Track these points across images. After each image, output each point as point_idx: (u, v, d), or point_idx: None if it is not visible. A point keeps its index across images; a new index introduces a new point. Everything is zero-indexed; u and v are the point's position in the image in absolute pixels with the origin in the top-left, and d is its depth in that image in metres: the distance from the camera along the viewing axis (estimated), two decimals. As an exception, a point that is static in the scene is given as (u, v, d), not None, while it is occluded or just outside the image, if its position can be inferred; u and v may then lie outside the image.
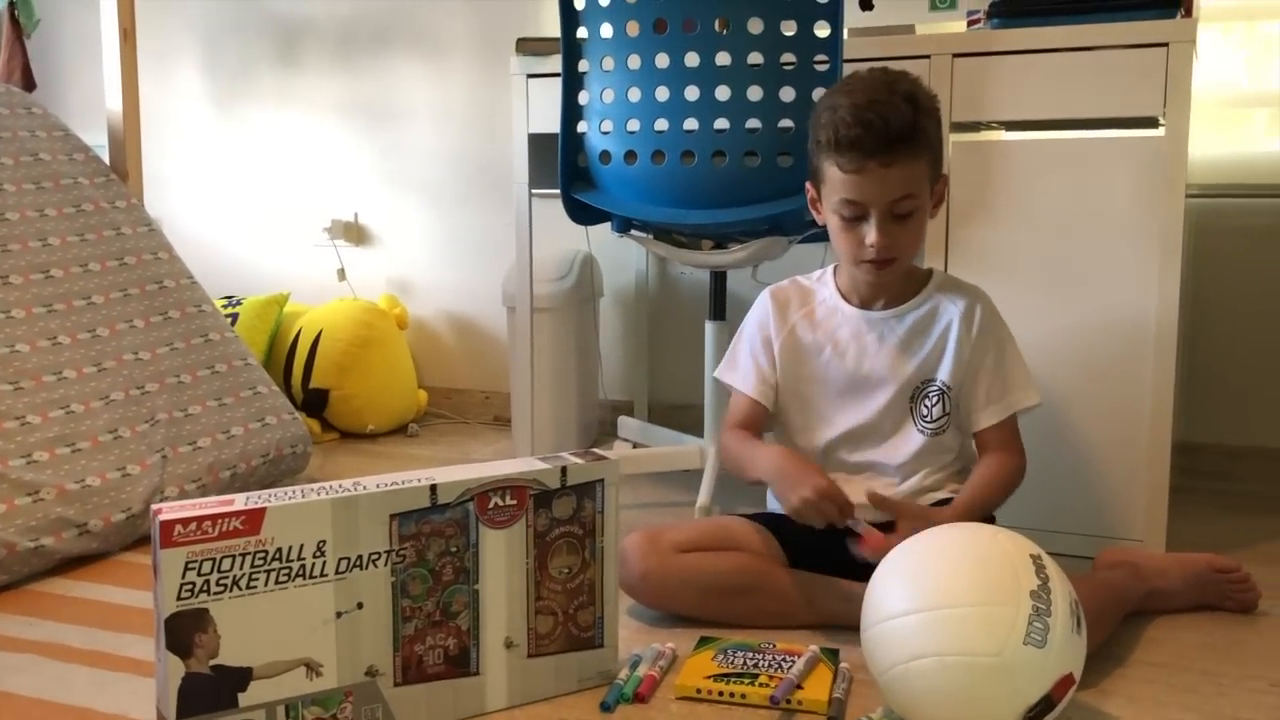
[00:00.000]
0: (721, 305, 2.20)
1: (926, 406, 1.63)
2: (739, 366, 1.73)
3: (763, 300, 1.73)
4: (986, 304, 1.65)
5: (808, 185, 1.63)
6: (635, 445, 2.50)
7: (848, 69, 1.84)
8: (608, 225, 2.09)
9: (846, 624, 1.57)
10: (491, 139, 2.99)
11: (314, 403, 2.77)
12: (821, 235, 2.14)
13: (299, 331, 2.87)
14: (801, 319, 1.69)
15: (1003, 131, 2.00)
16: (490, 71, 2.96)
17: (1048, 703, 1.20)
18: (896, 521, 1.51)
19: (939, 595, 1.22)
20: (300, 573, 1.22)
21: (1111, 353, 1.89)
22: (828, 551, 1.63)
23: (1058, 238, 1.92)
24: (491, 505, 1.33)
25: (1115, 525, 1.92)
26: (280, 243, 3.27)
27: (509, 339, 2.65)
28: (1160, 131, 1.84)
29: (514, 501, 1.34)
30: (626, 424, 2.55)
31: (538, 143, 2.27)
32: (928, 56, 1.94)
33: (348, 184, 3.17)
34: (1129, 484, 1.90)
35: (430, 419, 3.06)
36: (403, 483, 1.29)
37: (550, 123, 2.23)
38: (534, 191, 2.31)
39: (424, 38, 3.04)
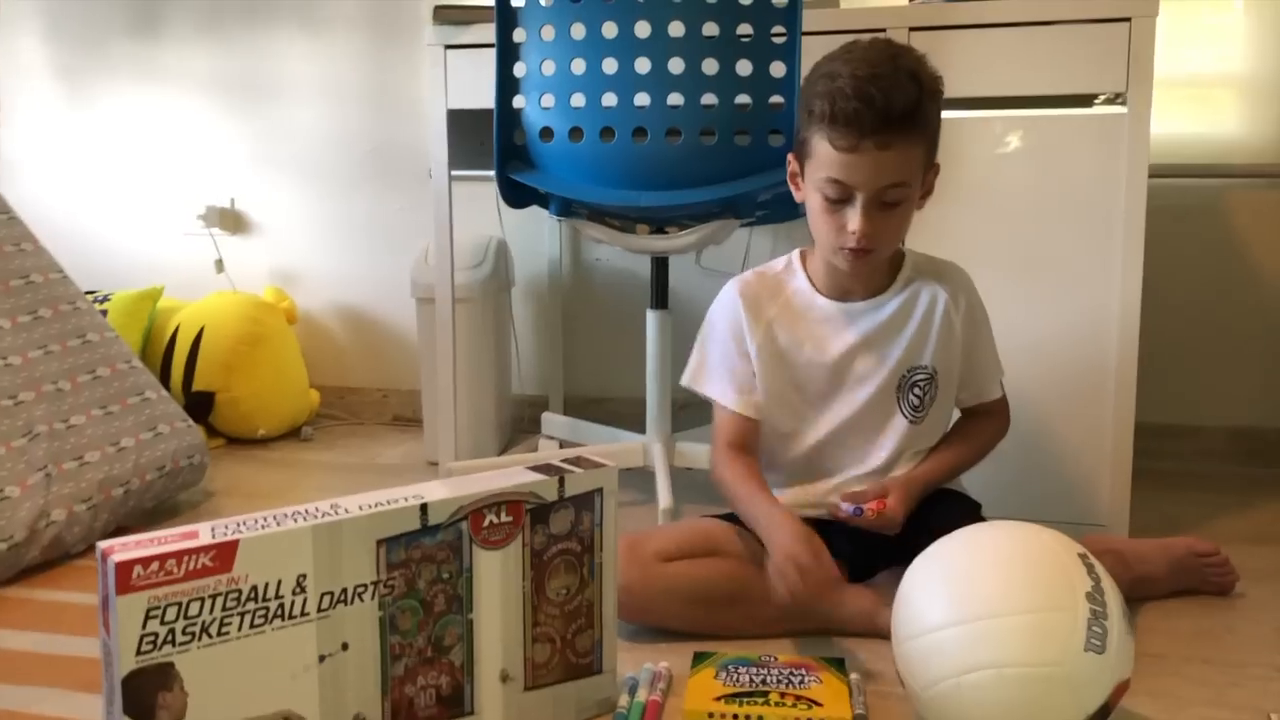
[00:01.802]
0: (664, 293, 2.08)
1: (916, 394, 1.54)
2: (713, 376, 1.58)
3: (730, 298, 1.58)
4: (968, 279, 1.58)
5: (790, 158, 1.51)
6: (562, 444, 2.35)
7: (806, 43, 1.75)
8: (519, 211, 1.95)
9: (842, 630, 1.49)
10: (384, 118, 2.78)
11: (198, 407, 2.52)
12: (769, 219, 2.05)
13: (176, 329, 2.61)
14: (777, 317, 1.56)
15: (962, 111, 1.93)
16: (383, 44, 2.75)
17: (1105, 710, 1.13)
18: (887, 497, 1.47)
19: (991, 603, 1.13)
20: (278, 613, 1.04)
21: (1074, 335, 1.86)
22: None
23: (1019, 218, 1.87)
24: (486, 524, 1.17)
25: (1079, 510, 1.89)
26: (149, 232, 2.98)
27: (419, 332, 2.46)
28: (1123, 109, 1.80)
29: (510, 518, 1.19)
30: (552, 421, 2.40)
31: (455, 121, 2.09)
32: (884, 30, 1.85)
33: (222, 168, 2.91)
34: (1092, 469, 1.88)
35: (323, 421, 2.84)
36: (388, 503, 1.12)
37: (471, 98, 2.07)
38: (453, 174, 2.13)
39: (305, 6, 2.80)
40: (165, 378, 2.55)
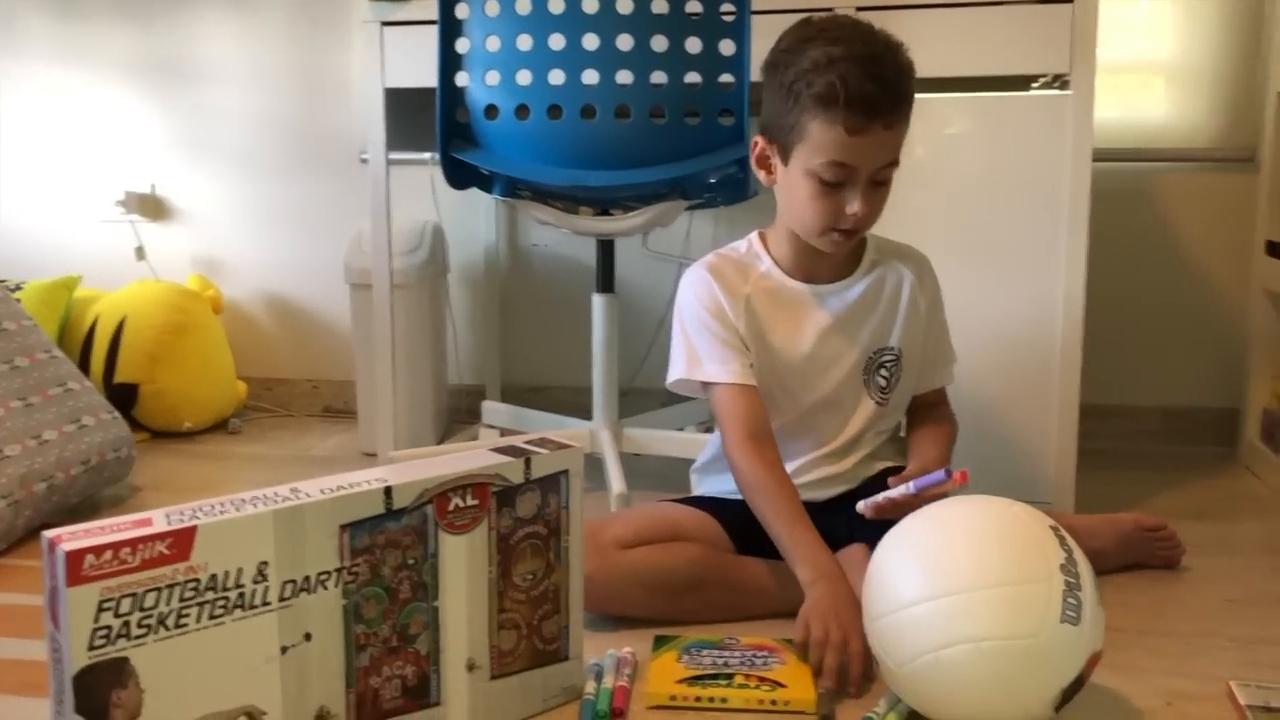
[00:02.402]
0: (610, 277, 2.05)
1: (883, 375, 1.54)
2: (708, 358, 1.49)
3: (702, 279, 1.53)
4: (929, 262, 1.59)
5: (759, 140, 1.49)
6: (503, 433, 2.30)
7: (755, 21, 1.73)
8: (454, 196, 1.90)
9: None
10: (314, 100, 2.70)
11: (120, 399, 2.41)
12: (714, 202, 2.03)
13: (96, 319, 2.50)
14: (752, 295, 1.52)
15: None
16: (313, 23, 2.67)
17: (1079, 682, 1.13)
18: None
19: (967, 576, 1.12)
20: (239, 603, 0.99)
21: (1020, 317, 1.87)
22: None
23: (965, 201, 1.88)
24: (452, 507, 1.13)
25: (1025, 488, 1.89)
26: (64, 218, 2.85)
27: (354, 320, 2.39)
28: (1068, 91, 1.82)
29: (475, 501, 1.15)
30: (492, 409, 2.36)
31: (390, 101, 2.03)
32: (831, 9, 1.83)
33: (142, 152, 2.79)
34: (1039, 448, 1.90)
35: (251, 413, 2.75)
36: (350, 486, 1.07)
37: (409, 77, 2.01)
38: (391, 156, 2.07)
39: (229, -15, 2.71)
40: (85, 370, 2.44)
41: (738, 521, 1.54)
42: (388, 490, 1.08)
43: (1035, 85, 1.96)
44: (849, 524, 1.50)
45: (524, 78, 1.77)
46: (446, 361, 2.57)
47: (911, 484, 1.38)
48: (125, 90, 2.79)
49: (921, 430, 1.59)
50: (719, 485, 1.60)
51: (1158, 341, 2.43)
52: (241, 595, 0.99)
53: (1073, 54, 1.79)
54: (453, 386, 2.64)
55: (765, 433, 1.46)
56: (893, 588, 1.17)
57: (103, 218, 2.79)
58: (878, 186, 1.42)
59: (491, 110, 1.81)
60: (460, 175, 1.89)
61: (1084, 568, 1.15)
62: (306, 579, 1.03)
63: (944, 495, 1.35)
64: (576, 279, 2.55)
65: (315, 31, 2.67)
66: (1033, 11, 1.81)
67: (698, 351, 1.50)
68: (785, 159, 1.44)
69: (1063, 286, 1.85)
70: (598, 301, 2.03)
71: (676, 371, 1.52)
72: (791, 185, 1.45)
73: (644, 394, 2.43)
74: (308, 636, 1.04)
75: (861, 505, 1.43)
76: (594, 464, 1.98)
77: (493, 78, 1.79)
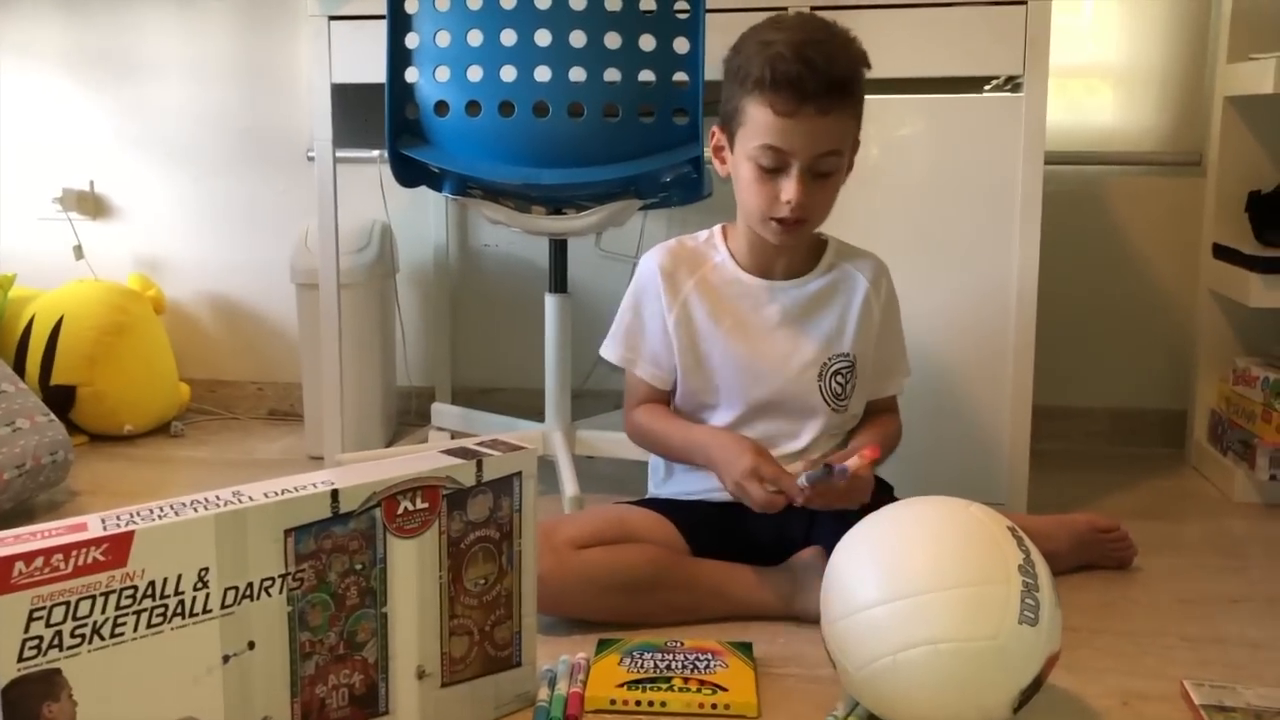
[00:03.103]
0: (563, 276, 2.02)
1: (838, 382, 1.52)
2: (624, 343, 1.57)
3: (648, 268, 1.55)
4: (886, 268, 1.58)
5: (714, 130, 1.48)
6: (454, 435, 2.27)
7: (710, 19, 1.72)
8: (403, 195, 1.86)
9: (760, 614, 1.47)
10: (259, 95, 2.64)
11: (57, 401, 2.34)
12: (669, 202, 2.01)
13: (32, 319, 2.43)
14: (695, 289, 1.53)
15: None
16: (259, 16, 2.61)
17: (1037, 683, 1.12)
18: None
19: (924, 578, 1.12)
20: (179, 611, 0.95)
21: (974, 317, 1.88)
22: (732, 536, 1.51)
23: (919, 201, 1.88)
24: (401, 511, 1.10)
25: (978, 489, 1.86)
26: (-1, 216, 2.77)
27: (300, 320, 2.34)
28: (1020, 94, 1.82)
29: (425, 505, 1.12)
30: (442, 411, 2.32)
31: (336, 97, 1.99)
32: (786, 8, 1.83)
33: (81, 148, 2.72)
34: (991, 448, 1.90)
35: (194, 416, 2.68)
36: (295, 489, 1.04)
37: (356, 72, 1.98)
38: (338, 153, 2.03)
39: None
40: (20, 371, 2.37)
41: (694, 523, 1.52)
42: (334, 493, 1.05)
43: (988, 87, 1.97)
44: (806, 527, 1.49)
45: (475, 74, 1.74)
46: (395, 363, 2.53)
47: (804, 477, 1.37)
48: (63, 84, 2.71)
49: (860, 428, 1.58)
50: (675, 487, 1.59)
51: (1107, 343, 2.44)
52: (181, 603, 0.95)
53: (1026, 56, 1.80)
54: (402, 388, 2.59)
55: (660, 404, 1.56)
56: (849, 590, 1.16)
57: (39, 215, 2.71)
58: (820, 179, 1.40)
59: (442, 107, 1.78)
60: (409, 173, 1.85)
61: (1041, 568, 1.15)
62: (249, 586, 1.00)
63: (834, 489, 1.36)
64: (529, 280, 2.52)
65: (261, 25, 2.61)
66: (986, 13, 1.81)
67: (623, 335, 1.56)
68: (732, 145, 1.45)
69: (1015, 287, 1.86)
70: (550, 302, 2.01)
71: (606, 344, 1.59)
72: (737, 171, 1.45)
73: (597, 396, 2.41)
74: (251, 645, 1.01)
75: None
76: (547, 467, 1.96)
77: (443, 73, 1.76)
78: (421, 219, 2.57)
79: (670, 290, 1.52)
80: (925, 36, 1.84)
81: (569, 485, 1.81)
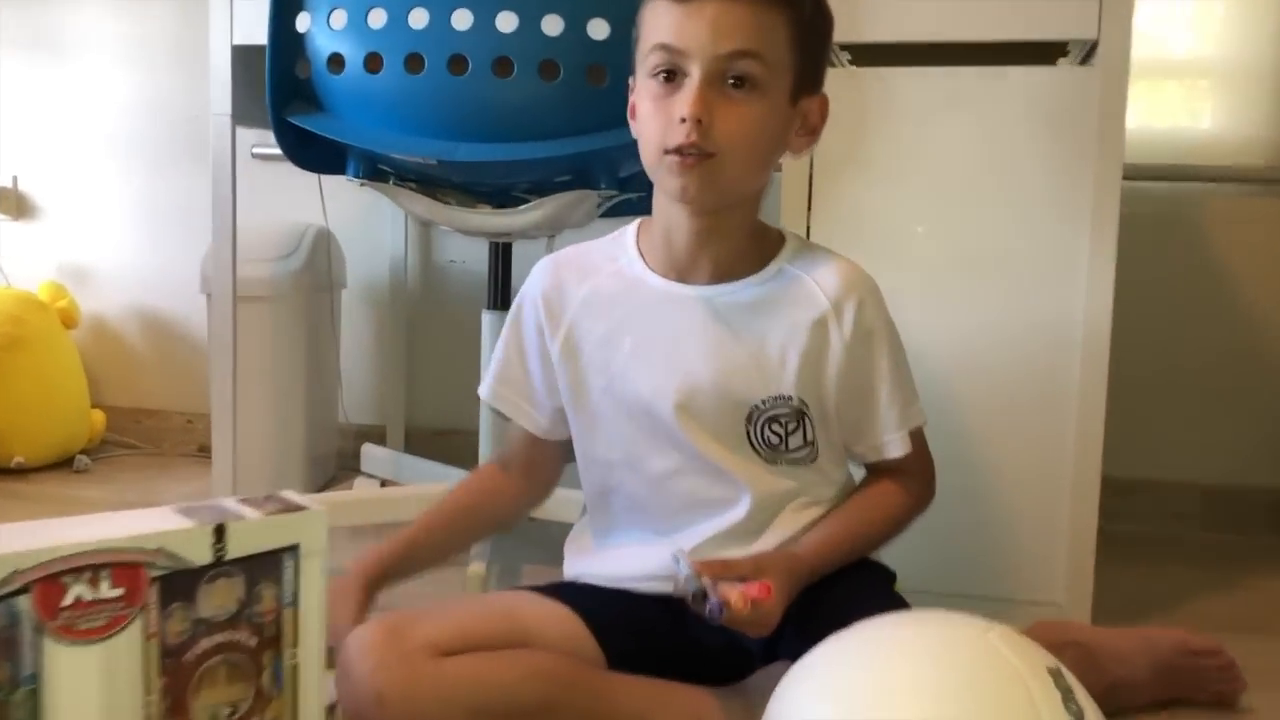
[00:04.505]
0: (504, 289, 1.64)
1: (774, 431, 1.09)
2: (498, 376, 1.19)
3: (532, 282, 1.16)
4: (869, 287, 1.11)
5: (630, 82, 1.09)
6: (384, 484, 1.88)
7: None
8: (355, 198, 1.49)
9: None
10: (201, 84, 2.29)
11: (-68, 425, 2.00)
12: (635, 206, 1.61)
13: (-83, 329, 2.10)
14: (585, 303, 1.12)
15: (883, 67, 1.51)
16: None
17: None
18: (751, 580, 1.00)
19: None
20: None
21: (1025, 361, 1.45)
22: (667, 641, 1.08)
23: (954, 204, 1.47)
24: (70, 600, 0.70)
25: (1027, 584, 1.47)
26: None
27: (209, 339, 1.97)
28: (1092, 66, 1.40)
29: (119, 591, 0.72)
30: (372, 455, 1.94)
31: (247, 61, 1.62)
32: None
33: (3, 139, 2.40)
34: (1048, 531, 1.46)
35: (109, 449, 2.32)
36: None
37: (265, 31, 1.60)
38: (243, 130, 1.67)
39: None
40: (-104, 388, 2.04)
41: (614, 622, 1.10)
42: (-71, 573, 0.65)
43: (1064, 61, 1.55)
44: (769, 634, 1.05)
45: (377, 18, 1.36)
46: (335, 396, 2.14)
47: (681, 568, 0.99)
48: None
49: (847, 498, 1.14)
50: (602, 565, 1.16)
51: (1199, 402, 2.00)
52: None
53: (1102, 12, 1.37)
54: (347, 426, 2.21)
55: (506, 465, 1.23)
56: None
57: (-47, 214, 2.39)
58: (734, 90, 1.00)
59: (335, 61, 1.40)
60: (306, 150, 1.48)
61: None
62: None
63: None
64: (500, 303, 2.13)
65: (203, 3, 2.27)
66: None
67: (496, 362, 1.20)
68: (635, 83, 1.08)
69: (1082, 325, 1.43)
70: (487, 321, 1.62)
71: (483, 384, 1.21)
72: (639, 111, 1.06)
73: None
74: None
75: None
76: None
77: (338, 19, 1.39)
78: (377, 227, 2.20)
79: (551, 315, 1.13)
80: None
81: (475, 559, 1.39)
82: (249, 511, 0.78)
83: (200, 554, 0.75)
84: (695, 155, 1.00)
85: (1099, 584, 1.46)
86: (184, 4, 2.29)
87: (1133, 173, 1.84)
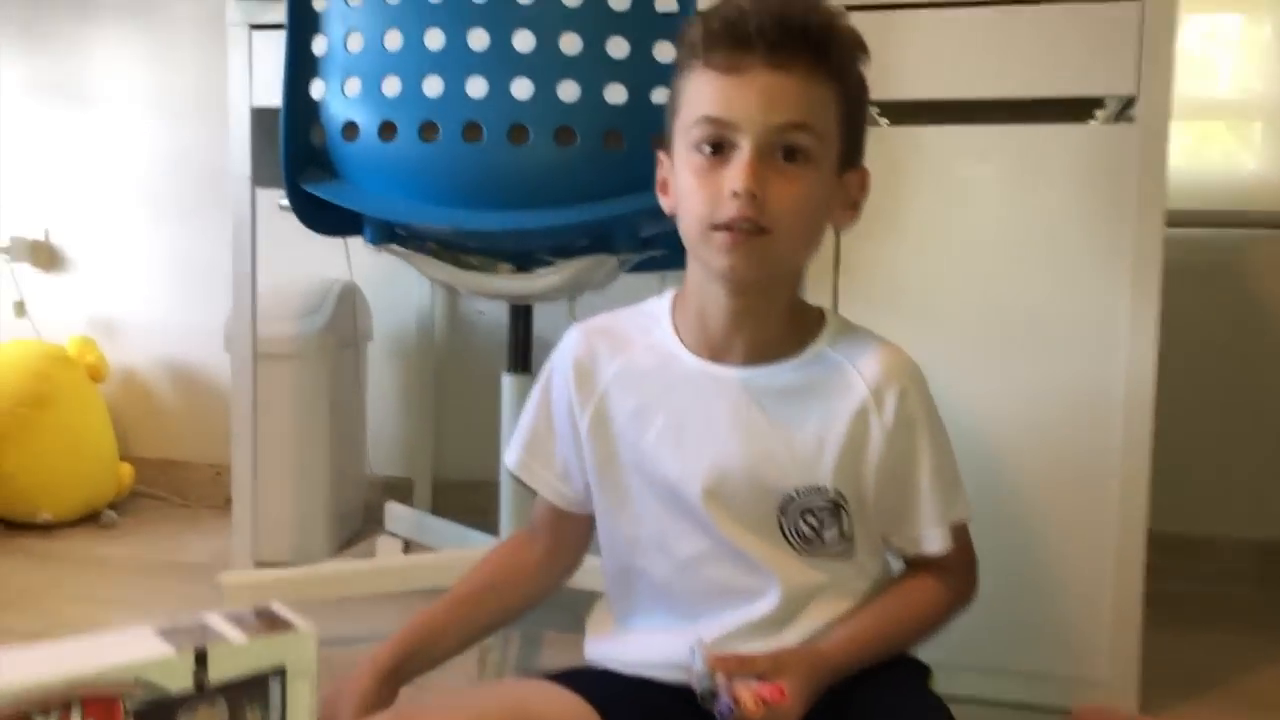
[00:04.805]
0: (525, 352, 1.60)
1: (809, 523, 1.03)
2: (525, 446, 1.13)
3: (565, 348, 1.11)
4: (914, 374, 1.05)
5: (660, 156, 1.04)
6: (408, 545, 1.85)
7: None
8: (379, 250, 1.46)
9: None
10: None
11: (-39, 483, 2.00)
12: (659, 263, 1.58)
13: (-54, 385, 2.10)
14: (618, 378, 1.07)
15: (913, 126, 1.46)
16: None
17: None
18: (769, 679, 0.94)
19: None
20: None
21: (1065, 423, 1.39)
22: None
23: (993, 267, 1.41)
24: (37, 742, 0.66)
25: (1067, 659, 1.41)
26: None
27: (232, 396, 1.96)
28: (1131, 124, 1.34)
29: (91, 728, 0.68)
30: (395, 514, 1.91)
31: (267, 122, 1.61)
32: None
33: (34, 191, 2.41)
34: (1089, 596, 1.40)
35: (138, 501, 2.31)
36: None
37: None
38: (263, 190, 1.65)
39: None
40: (-72, 445, 2.04)
41: (630, 715, 1.04)
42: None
43: (1097, 116, 1.49)
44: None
45: (391, 86, 1.33)
46: (361, 450, 2.12)
47: (695, 662, 0.95)
48: (14, 117, 2.41)
49: (879, 593, 1.08)
50: (612, 649, 1.11)
51: (1251, 455, 1.92)
52: None
53: (1141, 70, 1.32)
54: (374, 479, 2.18)
55: (549, 537, 1.15)
56: None
57: (-13, 266, 2.41)
58: (786, 168, 0.95)
59: (350, 129, 1.37)
60: (320, 215, 1.45)
61: None
62: None
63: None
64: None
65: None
66: (1083, 13, 1.34)
67: (523, 431, 1.14)
68: (672, 153, 1.01)
69: (1124, 382, 1.37)
70: (507, 385, 1.58)
71: (509, 451, 1.16)
72: (677, 185, 1.00)
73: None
74: None
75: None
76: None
77: (353, 86, 1.36)
78: (403, 280, 2.18)
79: (581, 386, 1.07)
80: (1002, 45, 1.38)
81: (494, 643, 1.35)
82: (232, 632, 0.74)
83: (180, 682, 0.71)
84: (747, 231, 0.95)
85: (1146, 651, 1.39)
86: (209, 57, 2.29)
87: (1178, 219, 1.78)
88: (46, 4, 2.38)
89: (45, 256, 2.40)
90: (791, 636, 1.04)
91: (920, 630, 1.07)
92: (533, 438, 1.13)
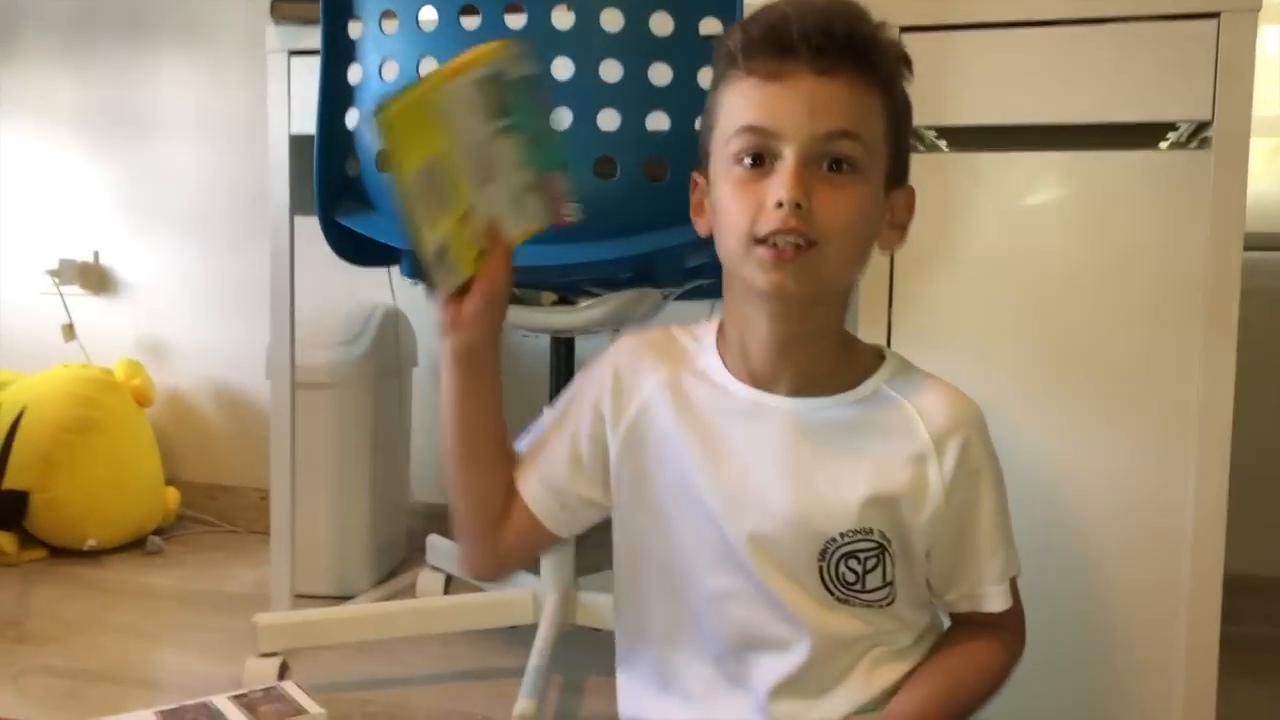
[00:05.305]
0: (566, 384, 1.54)
1: (853, 569, 0.96)
2: (534, 432, 1.06)
3: (607, 355, 1.04)
4: (976, 420, 0.97)
5: (695, 177, 0.98)
6: (449, 581, 1.81)
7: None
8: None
9: None
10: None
11: (9, 509, 2.00)
12: (706, 291, 1.52)
13: (-4, 408, 2.10)
14: (662, 387, 1.00)
15: (971, 152, 1.39)
16: (273, 68, 2.27)
17: None
18: None
19: None
20: None
21: (1133, 462, 1.31)
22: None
23: (1052, 299, 1.33)
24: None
25: (1141, 709, 1.33)
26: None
27: (272, 424, 1.93)
28: (1207, 149, 1.26)
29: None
30: (437, 548, 1.87)
31: (306, 150, 1.58)
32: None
33: (85, 214, 2.42)
34: (1162, 644, 1.31)
35: (185, 525, 2.30)
36: None
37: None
38: (302, 217, 1.63)
39: (188, 24, 2.33)
40: (-22, 470, 2.04)
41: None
42: None
43: (1168, 140, 1.41)
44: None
45: (426, 116, 1.29)
46: (406, 477, 2.09)
47: None
48: (65, 143, 2.42)
49: (937, 653, 1.01)
50: (653, 711, 1.05)
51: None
52: None
53: (1217, 94, 1.24)
54: (414, 507, 2.15)
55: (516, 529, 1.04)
56: None
57: (39, 290, 2.41)
58: (832, 177, 0.88)
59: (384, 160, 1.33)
60: (355, 247, 1.42)
61: None
62: None
63: None
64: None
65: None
66: (1155, 32, 1.26)
67: (537, 437, 1.05)
68: (709, 172, 0.95)
69: (1199, 420, 1.28)
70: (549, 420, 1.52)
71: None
72: (715, 202, 0.94)
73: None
74: None
75: None
76: (525, 641, 1.46)
77: (388, 116, 1.32)
78: (448, 304, 2.14)
79: (617, 394, 1.00)
80: (1066, 68, 1.30)
81: (524, 698, 1.29)
82: (237, 716, 0.70)
83: (181, 774, 0.67)
84: (793, 245, 0.89)
85: (1222, 702, 1.30)
86: (255, 83, 2.28)
87: (1256, 242, 1.69)
88: (98, 30, 2.39)
89: (95, 279, 2.41)
90: (835, 705, 0.98)
91: (985, 695, 1.00)
92: (544, 435, 1.05)
